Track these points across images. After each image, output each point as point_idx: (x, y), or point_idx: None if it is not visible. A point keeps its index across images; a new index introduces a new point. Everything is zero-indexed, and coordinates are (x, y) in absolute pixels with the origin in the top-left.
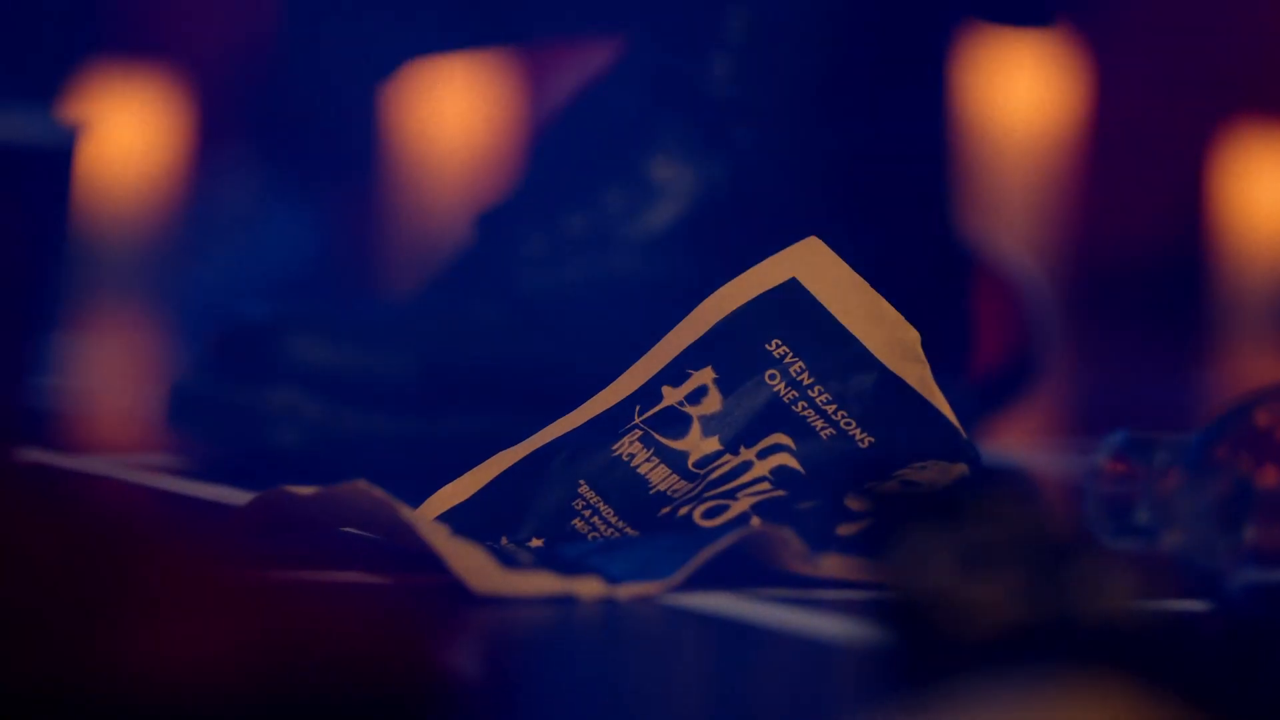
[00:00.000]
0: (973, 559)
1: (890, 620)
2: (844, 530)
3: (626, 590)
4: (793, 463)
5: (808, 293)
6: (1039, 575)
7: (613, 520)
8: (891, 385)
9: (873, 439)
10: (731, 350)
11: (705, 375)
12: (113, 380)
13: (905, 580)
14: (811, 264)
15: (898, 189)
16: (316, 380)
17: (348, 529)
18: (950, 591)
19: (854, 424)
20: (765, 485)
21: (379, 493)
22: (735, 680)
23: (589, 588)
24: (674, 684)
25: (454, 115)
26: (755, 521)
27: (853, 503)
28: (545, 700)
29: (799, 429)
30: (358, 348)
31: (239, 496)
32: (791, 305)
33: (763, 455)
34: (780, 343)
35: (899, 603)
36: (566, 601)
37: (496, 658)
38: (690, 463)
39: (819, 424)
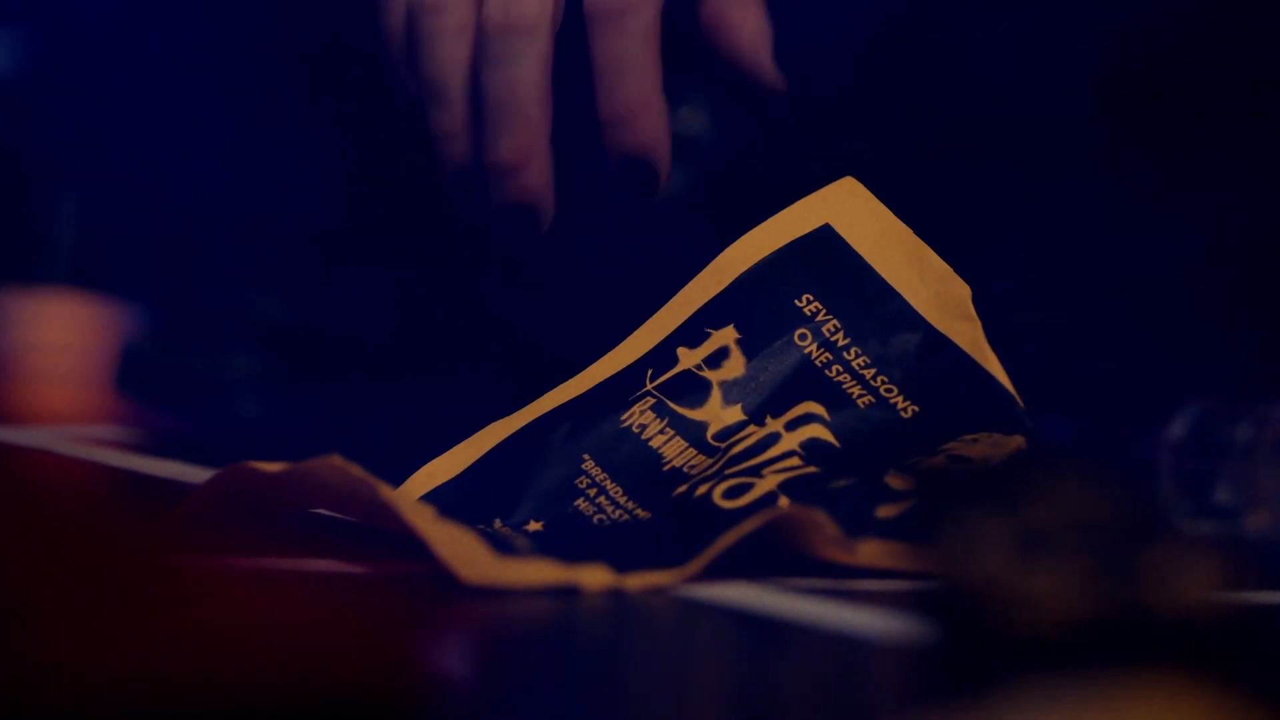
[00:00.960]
0: (1031, 544)
1: (938, 614)
2: (884, 512)
3: (636, 580)
4: (826, 435)
5: (843, 241)
6: (1106, 562)
7: (621, 500)
8: (938, 346)
9: (917, 408)
10: (756, 307)
11: (727, 335)
12: (53, 341)
13: (955, 568)
14: (848, 208)
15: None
16: (283, 342)
17: (320, 510)
18: (1006, 581)
19: (895, 390)
20: (795, 461)
21: (355, 469)
22: (760, 683)
23: (594, 577)
24: (690, 687)
25: None
26: (783, 502)
27: (894, 480)
28: (544, 705)
29: (833, 396)
30: (329, 305)
31: (197, 474)
32: (825, 255)
33: (792, 427)
34: (812, 298)
35: (947, 594)
36: (568, 593)
37: (489, 657)
38: (710, 435)
39: (856, 391)
